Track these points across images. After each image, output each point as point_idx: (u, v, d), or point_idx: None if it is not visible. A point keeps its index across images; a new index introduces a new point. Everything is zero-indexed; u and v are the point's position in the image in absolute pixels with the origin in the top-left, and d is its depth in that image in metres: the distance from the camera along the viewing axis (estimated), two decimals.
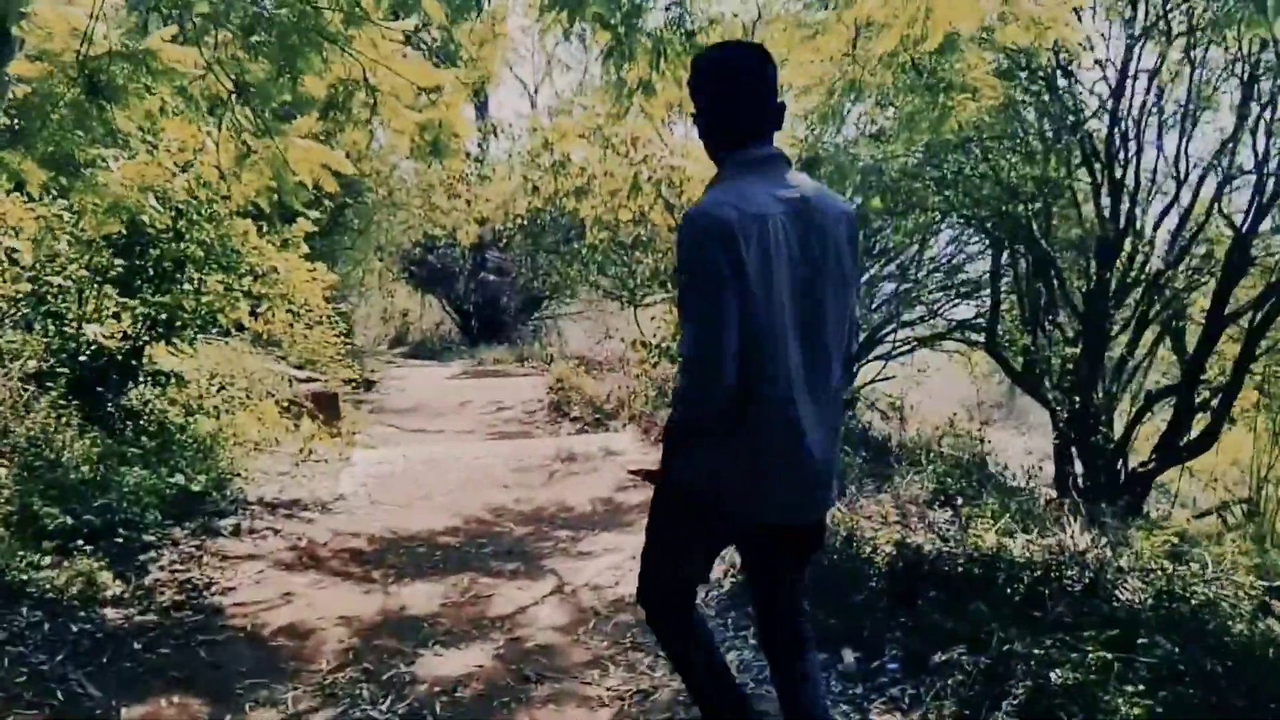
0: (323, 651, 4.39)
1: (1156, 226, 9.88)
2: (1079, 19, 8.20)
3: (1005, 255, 11.45)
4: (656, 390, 10.64)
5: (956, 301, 13.66)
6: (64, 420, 6.53)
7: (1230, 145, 9.23)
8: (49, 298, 7.70)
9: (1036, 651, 3.55)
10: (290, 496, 6.86)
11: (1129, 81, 9.47)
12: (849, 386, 2.70)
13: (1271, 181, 8.83)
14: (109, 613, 4.58)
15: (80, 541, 5.09)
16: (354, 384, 12.79)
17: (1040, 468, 9.88)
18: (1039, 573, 4.27)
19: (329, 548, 5.88)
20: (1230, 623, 3.90)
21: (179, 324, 8.09)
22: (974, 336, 13.25)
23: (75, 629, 4.36)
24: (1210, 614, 3.96)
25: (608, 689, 4.04)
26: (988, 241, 11.81)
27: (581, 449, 8.51)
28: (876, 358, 13.89)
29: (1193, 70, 9.31)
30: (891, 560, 4.89)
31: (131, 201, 7.59)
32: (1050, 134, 9.96)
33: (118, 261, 7.75)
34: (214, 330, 9.29)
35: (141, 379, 8.00)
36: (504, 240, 20.95)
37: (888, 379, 13.93)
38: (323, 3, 5.64)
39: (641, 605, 2.80)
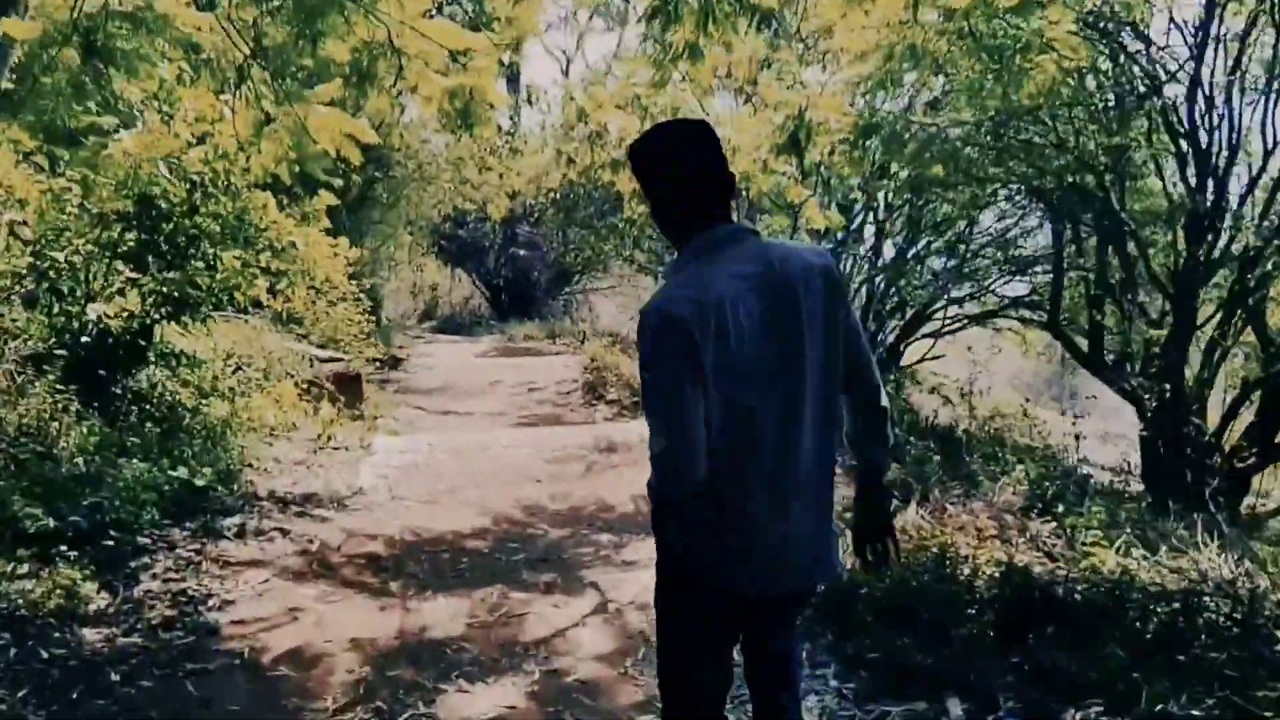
0: (330, 685, 3.78)
1: (1243, 200, 9.08)
2: None
3: (1069, 230, 10.74)
4: None
5: (1008, 278, 13.05)
6: (61, 407, 5.98)
7: None
8: (51, 274, 7.17)
9: (1197, 714, 2.88)
10: (304, 490, 6.27)
11: (1212, 44, 8.66)
12: (881, 404, 2.51)
13: None
14: (88, 634, 3.99)
15: (64, 546, 4.52)
16: (379, 363, 12.24)
17: (1126, 462, 9.20)
18: (1176, 604, 3.60)
19: (343, 552, 5.27)
20: None
21: (192, 302, 7.50)
22: (1027, 314, 12.81)
23: (46, 655, 3.78)
24: None
25: None
26: (1049, 215, 11.09)
27: (621, 437, 7.86)
28: (925, 335, 13.40)
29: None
30: (996, 586, 4.23)
31: (143, 173, 7.10)
32: (1125, 100, 9.18)
33: (128, 236, 7.20)
34: (230, 309, 8.76)
35: (151, 360, 7.42)
36: (535, 214, 20.57)
37: (937, 358, 13.44)
38: None
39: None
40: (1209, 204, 8.39)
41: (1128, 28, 8.70)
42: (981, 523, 4.90)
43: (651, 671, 3.93)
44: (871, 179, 11.09)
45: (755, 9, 6.44)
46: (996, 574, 4.35)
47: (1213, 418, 9.14)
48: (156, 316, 7.39)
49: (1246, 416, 9.06)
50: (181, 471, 5.72)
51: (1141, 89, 8.97)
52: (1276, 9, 8.23)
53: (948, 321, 13.45)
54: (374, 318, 13.52)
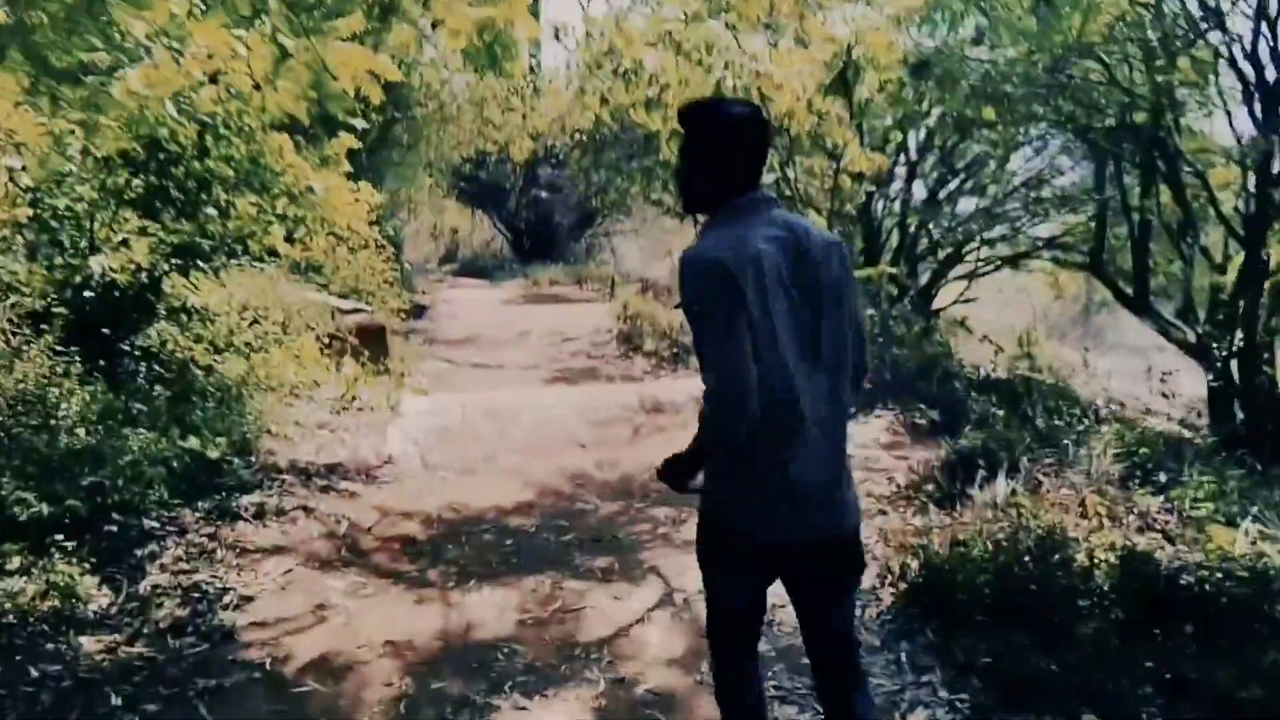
0: (363, 703, 3.25)
1: None
2: None
3: (1112, 170, 10.06)
4: None
5: (1041, 219, 12.53)
6: (61, 371, 5.45)
7: None
8: (52, 223, 6.62)
9: None
10: (329, 460, 5.73)
11: None
12: (857, 394, 2.76)
13: None
14: (86, 643, 3.46)
15: (60, 536, 3.99)
16: (403, 313, 11.69)
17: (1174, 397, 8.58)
18: None
19: (374, 534, 4.74)
20: None
21: (205, 252, 6.94)
22: (1063, 256, 12.36)
23: (36, 671, 3.26)
24: None
25: None
26: (1093, 156, 10.39)
27: (667, 396, 7.28)
28: (958, 278, 12.87)
29: None
30: (1118, 575, 3.66)
31: (150, 114, 6.51)
32: (1181, 35, 8.43)
33: (135, 182, 6.64)
34: (245, 258, 8.21)
35: (160, 316, 6.88)
36: (560, 155, 20.03)
37: (969, 300, 12.87)
38: None
39: (707, 638, 2.74)
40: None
41: None
42: (1087, 500, 4.31)
43: None
44: (908, 119, 10.52)
45: None
46: (1113, 560, 3.78)
47: None
48: (166, 268, 6.85)
49: None
50: (193, 442, 5.17)
51: (1202, 23, 8.23)
52: None
53: (980, 264, 12.96)
54: (396, 264, 12.99)
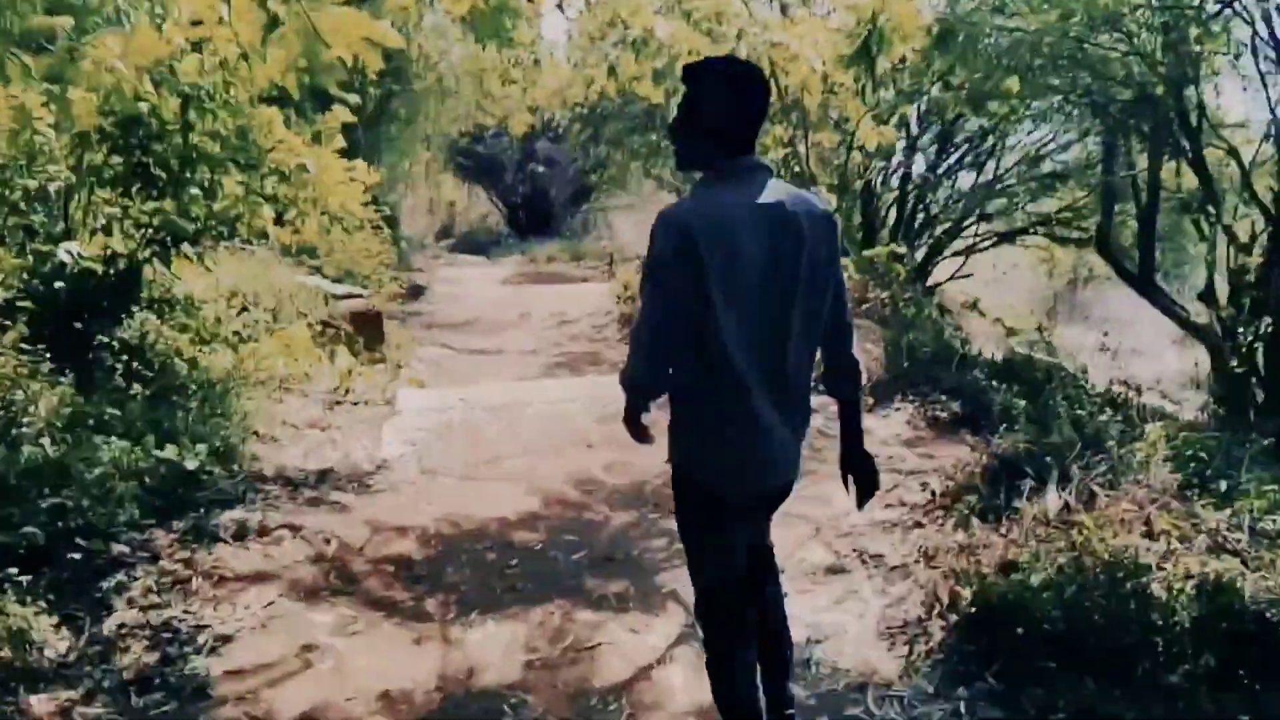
0: None
1: None
2: None
3: (1122, 146, 9.70)
4: None
5: (1038, 196, 12.66)
6: (28, 371, 5.03)
7: None
8: (21, 206, 6.19)
9: None
10: (318, 465, 5.32)
11: None
12: (856, 366, 2.67)
13: None
14: (37, 702, 3.04)
15: (14, 570, 3.58)
16: (400, 296, 11.26)
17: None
18: None
19: (366, 555, 4.32)
20: None
21: (189, 235, 6.49)
22: (1063, 232, 12.68)
23: None
24: None
25: None
26: (1104, 131, 9.98)
27: None
28: (955, 254, 12.93)
29: None
30: (1200, 610, 3.25)
31: (128, 86, 6.05)
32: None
33: (113, 160, 6.21)
34: (233, 240, 7.77)
35: (140, 306, 6.45)
36: (558, 129, 19.67)
37: (965, 276, 12.88)
38: None
39: (700, 623, 2.86)
40: None
41: None
42: (1150, 518, 3.88)
43: None
44: (911, 93, 10.13)
45: None
46: (1190, 590, 3.37)
47: None
48: (146, 255, 6.42)
49: None
50: (170, 451, 4.75)
51: None
52: None
53: (978, 239, 12.97)
54: (394, 244, 12.56)
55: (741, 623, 2.76)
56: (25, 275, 5.87)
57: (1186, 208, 9.40)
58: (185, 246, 6.43)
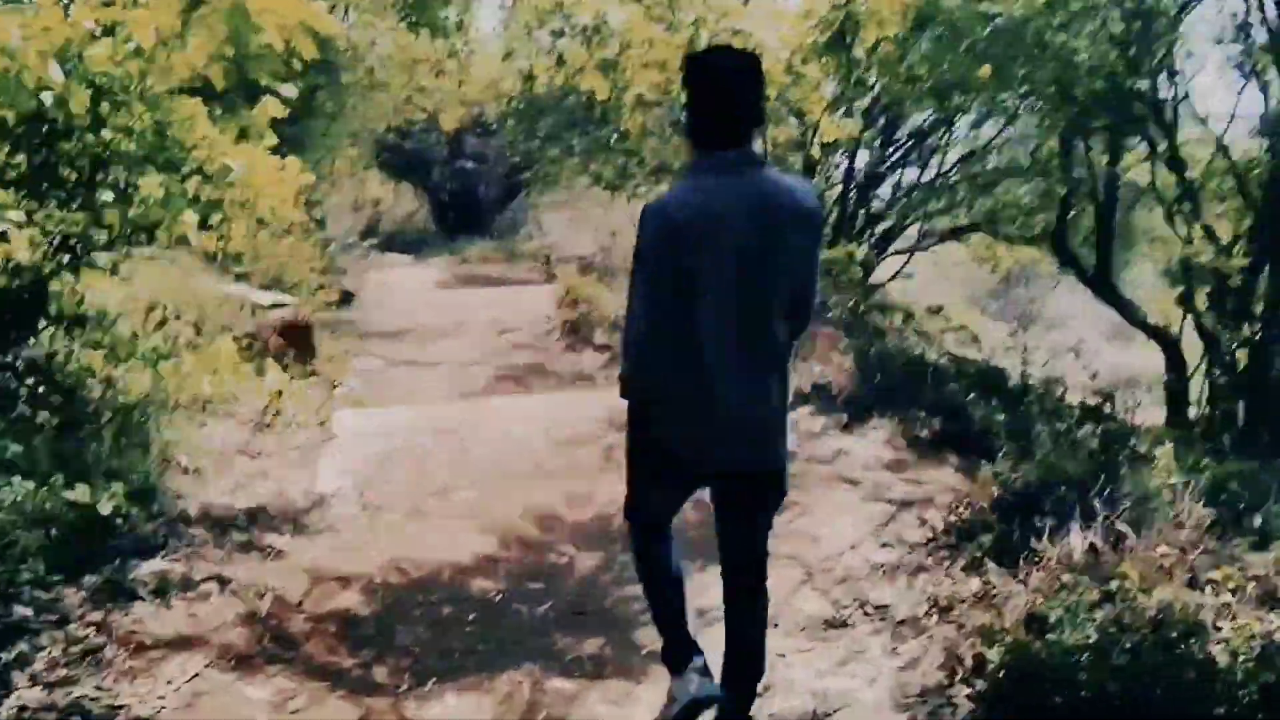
0: None
1: None
2: None
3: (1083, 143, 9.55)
4: None
5: (982, 195, 12.04)
6: None
7: None
8: None
9: None
10: (248, 502, 4.82)
11: None
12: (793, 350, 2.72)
13: None
14: None
15: None
16: (330, 304, 10.70)
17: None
18: None
19: (305, 612, 3.85)
20: None
21: (102, 244, 5.94)
22: (1012, 230, 12.05)
23: None
24: None
25: None
26: (1063, 126, 9.76)
27: None
28: (897, 252, 12.66)
29: None
30: (1267, 676, 2.94)
31: (30, 75, 5.49)
32: None
33: (15, 160, 5.62)
34: (152, 248, 7.20)
35: (47, 323, 5.88)
36: (490, 124, 19.24)
37: (908, 277, 12.90)
38: None
39: (626, 519, 3.02)
40: None
41: None
42: (1191, 561, 3.56)
43: None
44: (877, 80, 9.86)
45: None
46: (1252, 652, 3.05)
47: None
48: (54, 265, 5.85)
49: None
50: (81, 492, 4.21)
51: None
52: None
53: (921, 239, 12.70)
54: (323, 247, 12.00)
55: (654, 531, 2.99)
56: None
57: (1166, 209, 9.19)
58: (98, 255, 5.90)
